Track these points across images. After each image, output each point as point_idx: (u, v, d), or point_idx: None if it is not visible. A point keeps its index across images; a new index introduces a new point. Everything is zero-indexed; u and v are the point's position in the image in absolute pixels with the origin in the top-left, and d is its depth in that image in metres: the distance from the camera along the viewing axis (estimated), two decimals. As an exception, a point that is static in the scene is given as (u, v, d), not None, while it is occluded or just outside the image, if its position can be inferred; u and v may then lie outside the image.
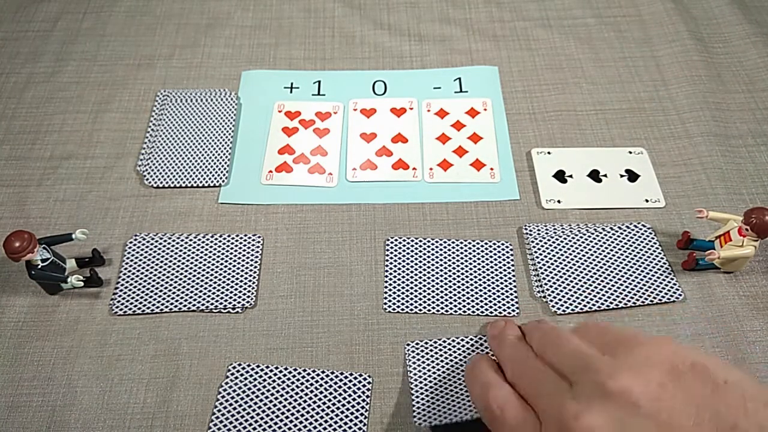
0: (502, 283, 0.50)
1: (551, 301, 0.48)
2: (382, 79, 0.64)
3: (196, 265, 0.51)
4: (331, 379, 0.45)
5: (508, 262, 0.51)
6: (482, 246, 0.52)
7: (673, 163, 0.57)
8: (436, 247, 0.52)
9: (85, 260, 0.50)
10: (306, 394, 0.44)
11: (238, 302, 0.49)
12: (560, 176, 0.56)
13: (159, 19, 0.70)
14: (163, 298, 0.49)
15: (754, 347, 0.46)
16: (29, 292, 0.50)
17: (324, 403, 0.44)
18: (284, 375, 0.45)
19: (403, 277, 0.50)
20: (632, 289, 0.49)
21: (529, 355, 0.37)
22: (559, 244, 0.52)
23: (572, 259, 0.51)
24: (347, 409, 0.44)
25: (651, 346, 0.31)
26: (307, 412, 0.43)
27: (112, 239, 0.53)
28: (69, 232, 0.49)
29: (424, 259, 0.51)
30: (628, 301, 0.48)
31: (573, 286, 0.49)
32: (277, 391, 0.44)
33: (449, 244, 0.52)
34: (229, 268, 0.51)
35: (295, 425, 0.43)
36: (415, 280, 0.50)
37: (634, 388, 0.29)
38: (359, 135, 0.60)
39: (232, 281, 0.50)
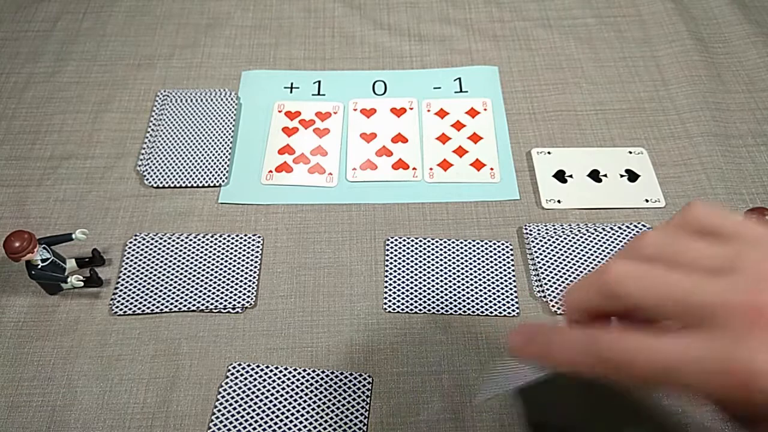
0: (502, 283, 0.50)
1: (551, 301, 0.48)
2: (382, 79, 0.64)
3: (196, 265, 0.51)
4: (331, 379, 0.45)
5: (508, 262, 0.51)
6: (482, 246, 0.52)
7: (673, 163, 0.57)
8: (436, 247, 0.52)
9: (85, 260, 0.50)
10: (306, 394, 0.44)
11: (238, 302, 0.49)
12: (560, 176, 0.56)
13: (159, 19, 0.70)
14: (163, 298, 0.49)
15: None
16: (29, 292, 0.50)
17: (324, 403, 0.44)
18: (284, 375, 0.45)
19: (403, 277, 0.50)
20: (632, 289, 0.49)
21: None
22: (559, 244, 0.52)
23: (572, 259, 0.51)
24: (347, 409, 0.44)
25: None
26: (307, 412, 0.43)
27: (112, 239, 0.53)
28: (69, 232, 0.49)
29: (424, 259, 0.51)
30: (628, 301, 0.48)
31: (573, 286, 0.49)
32: (277, 391, 0.44)
33: (449, 244, 0.52)
34: (229, 268, 0.51)
35: (295, 425, 0.43)
36: (415, 280, 0.50)
37: None
38: (359, 135, 0.60)
39: (232, 281, 0.50)
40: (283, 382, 0.45)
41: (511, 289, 0.49)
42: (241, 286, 0.50)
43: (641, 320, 0.28)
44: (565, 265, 0.50)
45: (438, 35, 0.68)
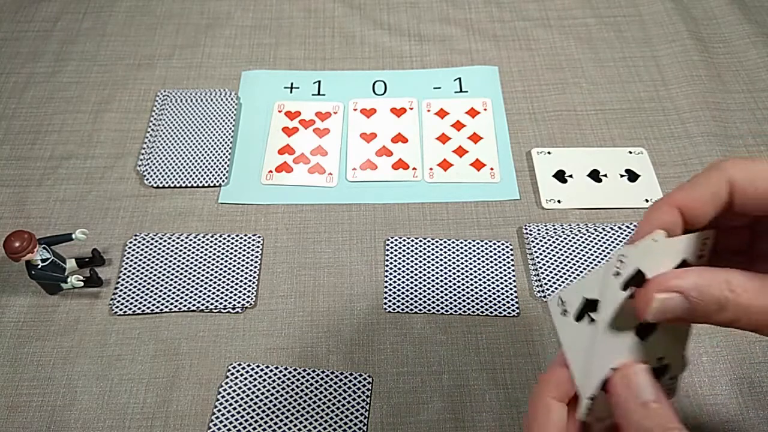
0: (502, 283, 0.50)
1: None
2: (382, 79, 0.64)
3: (196, 265, 0.51)
4: (331, 379, 0.45)
5: (508, 262, 0.51)
6: (482, 246, 0.52)
7: (673, 163, 0.57)
8: (436, 247, 0.52)
9: (85, 260, 0.50)
10: (306, 394, 0.44)
11: (238, 302, 0.49)
12: (560, 176, 0.56)
13: (159, 19, 0.70)
14: (163, 298, 0.49)
15: (753, 347, 0.46)
16: (29, 292, 0.50)
17: (324, 403, 0.44)
18: (284, 375, 0.45)
19: (403, 277, 0.50)
20: (632, 289, 0.49)
21: None
22: (559, 244, 0.51)
23: (572, 259, 0.51)
24: (347, 409, 0.44)
25: None
26: (307, 412, 0.43)
27: (112, 239, 0.53)
28: (69, 232, 0.49)
29: (424, 259, 0.51)
30: (628, 301, 0.48)
31: (573, 286, 0.49)
32: (277, 391, 0.44)
33: (449, 244, 0.52)
34: (229, 268, 0.51)
35: (295, 425, 0.43)
36: (415, 280, 0.50)
37: None
38: (359, 135, 0.60)
39: (232, 281, 0.50)
40: (283, 382, 0.45)
41: (511, 289, 0.49)
42: (241, 286, 0.50)
43: None
44: (565, 265, 0.50)
45: (438, 35, 0.68)
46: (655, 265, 0.28)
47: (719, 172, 0.28)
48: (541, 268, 0.50)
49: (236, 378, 0.45)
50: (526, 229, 0.53)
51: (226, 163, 0.57)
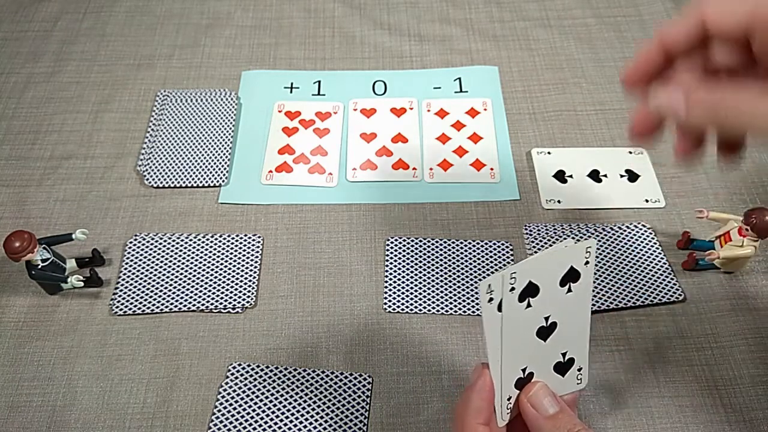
0: (502, 283, 0.50)
1: (551, 301, 0.48)
2: (382, 79, 0.64)
3: (196, 265, 0.51)
4: (331, 379, 0.45)
5: (508, 262, 0.51)
6: (482, 246, 0.52)
7: (673, 163, 0.57)
8: (436, 247, 0.52)
9: (85, 260, 0.50)
10: (306, 394, 0.44)
11: (238, 302, 0.49)
12: (560, 176, 0.56)
13: (159, 19, 0.70)
14: (163, 298, 0.49)
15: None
16: (29, 292, 0.50)
17: (324, 403, 0.44)
18: (284, 375, 0.45)
19: (403, 277, 0.50)
20: (632, 289, 0.49)
21: None
22: (559, 244, 0.52)
23: (572, 259, 0.51)
24: (347, 409, 0.44)
25: None
26: (307, 412, 0.43)
27: (112, 239, 0.53)
28: (69, 232, 0.49)
29: (424, 259, 0.51)
30: (629, 301, 0.48)
31: (573, 286, 0.49)
32: (277, 391, 0.44)
33: (449, 244, 0.52)
34: (229, 268, 0.51)
35: (295, 425, 0.43)
36: (415, 280, 0.50)
37: None
38: (359, 135, 0.60)
39: (232, 281, 0.50)
40: (283, 382, 0.45)
41: (511, 289, 0.49)
42: (241, 286, 0.50)
43: None
44: (565, 265, 0.50)
45: (438, 35, 0.68)
46: (545, 276, 0.33)
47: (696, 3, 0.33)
48: (541, 268, 0.50)
49: (236, 378, 0.45)
50: (526, 229, 0.53)
51: (226, 163, 0.57)
